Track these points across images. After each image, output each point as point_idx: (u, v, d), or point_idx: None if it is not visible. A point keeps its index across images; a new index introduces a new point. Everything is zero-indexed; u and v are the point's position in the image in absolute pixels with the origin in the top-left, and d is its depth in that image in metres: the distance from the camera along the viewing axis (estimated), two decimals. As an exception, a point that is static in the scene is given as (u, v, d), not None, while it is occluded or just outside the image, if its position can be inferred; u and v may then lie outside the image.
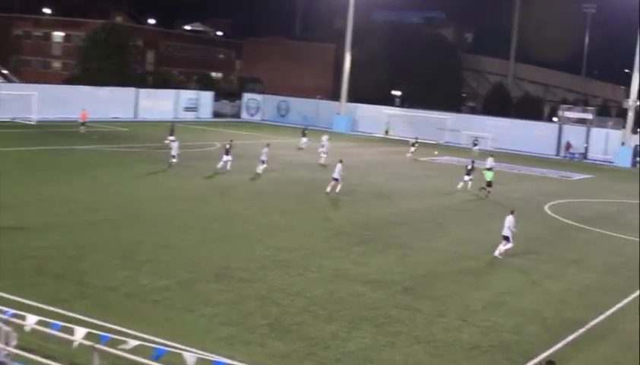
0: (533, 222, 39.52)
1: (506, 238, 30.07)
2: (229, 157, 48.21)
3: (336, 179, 42.33)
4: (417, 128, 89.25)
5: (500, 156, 70.33)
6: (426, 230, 34.82)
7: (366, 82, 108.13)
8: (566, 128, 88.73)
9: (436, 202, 43.35)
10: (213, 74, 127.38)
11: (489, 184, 47.18)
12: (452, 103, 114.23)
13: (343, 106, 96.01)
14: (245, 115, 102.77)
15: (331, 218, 35.60)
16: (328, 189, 42.33)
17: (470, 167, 48.91)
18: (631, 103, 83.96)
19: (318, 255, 27.83)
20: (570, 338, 20.68)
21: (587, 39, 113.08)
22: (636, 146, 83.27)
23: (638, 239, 36.48)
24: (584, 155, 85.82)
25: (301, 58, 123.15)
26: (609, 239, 36.55)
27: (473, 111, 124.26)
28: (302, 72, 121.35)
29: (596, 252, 33.09)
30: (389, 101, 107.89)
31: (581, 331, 21.39)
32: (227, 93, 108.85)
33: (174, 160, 47.74)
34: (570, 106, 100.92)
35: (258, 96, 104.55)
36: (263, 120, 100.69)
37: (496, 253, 29.98)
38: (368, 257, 28.15)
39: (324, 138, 59.31)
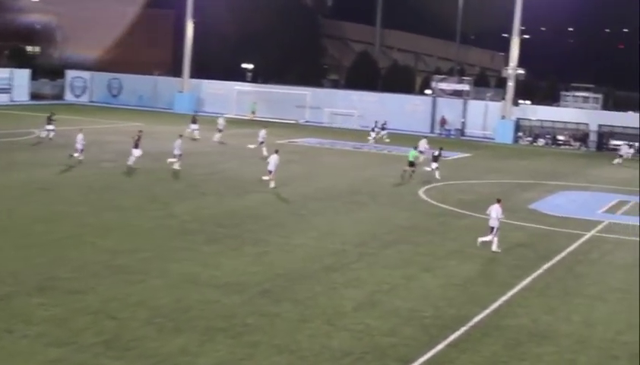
0: (406, 209, 40.47)
1: (492, 229, 31.78)
2: (140, 151, 47.48)
3: (270, 172, 43.39)
4: (272, 106, 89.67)
5: (367, 135, 71.63)
6: (285, 223, 35.00)
7: (212, 54, 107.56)
8: (441, 101, 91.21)
9: (297, 191, 43.64)
10: (29, 48, 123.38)
11: (412, 164, 49.84)
12: (312, 76, 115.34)
13: (186, 82, 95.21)
14: (69, 97, 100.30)
15: (175, 214, 35.24)
16: (272, 185, 43.13)
17: (437, 154, 51.93)
18: (510, 71, 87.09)
19: (161, 257, 27.49)
20: (452, 337, 21.28)
21: (461, 1, 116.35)
22: (518, 119, 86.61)
23: (529, 224, 38.01)
24: (461, 131, 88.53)
25: (134, 26, 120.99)
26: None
27: (336, 85, 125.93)
28: (136, 44, 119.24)
29: (477, 240, 34.13)
30: (240, 76, 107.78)
31: (464, 329, 22.04)
32: (47, 70, 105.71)
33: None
34: (444, 76, 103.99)
35: (85, 74, 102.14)
36: (91, 101, 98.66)
37: (494, 248, 31.60)
38: (220, 257, 28.04)
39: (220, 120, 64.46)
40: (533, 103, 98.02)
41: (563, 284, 27.83)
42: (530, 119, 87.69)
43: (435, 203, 42.69)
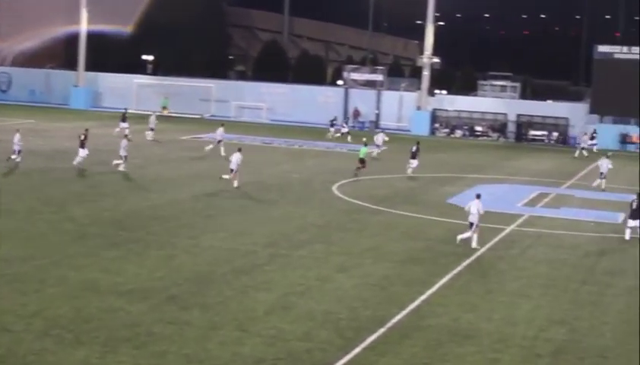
0: (319, 206, 40.65)
1: (471, 225, 32.71)
2: (86, 151, 47.40)
3: (232, 170, 43.85)
4: (175, 100, 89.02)
5: (277, 129, 71.71)
6: (192, 224, 34.82)
7: (110, 45, 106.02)
8: (353, 92, 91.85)
9: (204, 190, 43.46)
10: None
11: (362, 161, 51.00)
12: (217, 67, 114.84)
13: (82, 76, 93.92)
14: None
15: (73, 217, 34.74)
16: (236, 184, 43.67)
17: (414, 149, 53.12)
18: (425, 60, 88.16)
19: (58, 264, 27.07)
20: (369, 340, 21.43)
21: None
22: (434, 110, 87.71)
23: (448, 220, 38.54)
24: (375, 123, 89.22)
25: (20, 14, 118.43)
26: (409, 221, 38.28)
27: (243, 76, 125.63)
28: (25, 34, 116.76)
29: (394, 238, 34.51)
30: (140, 68, 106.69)
31: (382, 331, 22.22)
32: None
33: None
34: (356, 66, 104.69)
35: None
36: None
37: (474, 245, 32.48)
38: (122, 262, 27.74)
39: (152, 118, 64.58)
40: (449, 93, 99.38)
41: (484, 281, 28.29)
42: (446, 110, 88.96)
43: (349, 199, 42.96)
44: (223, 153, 55.46)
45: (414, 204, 42.58)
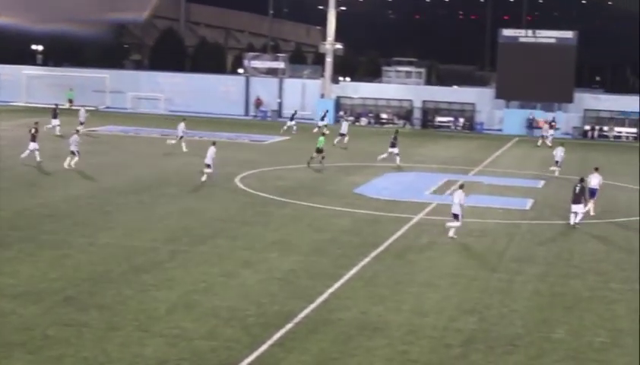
0: (221, 200, 40.52)
1: (456, 216, 33.80)
2: (36, 145, 47.85)
3: (208, 165, 44.87)
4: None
5: (176, 121, 71.08)
6: (89, 221, 34.35)
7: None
8: (255, 80, 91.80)
9: (101, 185, 42.94)
10: None
11: (319, 150, 52.56)
12: (111, 57, 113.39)
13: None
14: None
15: (-41, 217, 33.99)
16: (203, 178, 44.40)
17: (393, 137, 55.74)
18: (328, 46, 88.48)
19: (-55, 267, 26.47)
20: (277, 336, 21.44)
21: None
22: (338, 98, 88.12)
23: (355, 210, 38.76)
24: (278, 112, 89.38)
25: None
26: (315, 213, 38.41)
27: (139, 66, 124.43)
28: None
29: (300, 230, 34.60)
30: (29, 59, 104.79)
31: (290, 326, 22.25)
32: None
33: None
34: (257, 53, 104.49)
35: None
36: None
37: (451, 234, 33.63)
38: (14, 264, 27.21)
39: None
40: (353, 80, 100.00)
41: (392, 271, 28.52)
42: (351, 97, 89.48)
43: (253, 192, 42.90)
44: (185, 149, 56.47)
45: (320, 195, 42.72)
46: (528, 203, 43.11)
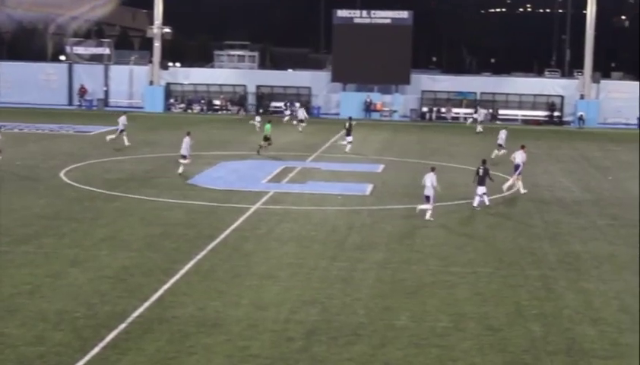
0: (45, 195, 39.66)
1: (428, 198, 36.09)
2: None
3: (184, 156, 46.66)
4: None
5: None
6: None
7: None
8: (78, 68, 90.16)
9: None
10: None
11: (267, 138, 55.61)
12: None
13: None
14: None
15: None
16: (180, 170, 46.21)
17: (347, 126, 59.24)
18: (156, 30, 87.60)
19: None
20: (109, 338, 21.13)
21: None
22: (168, 85, 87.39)
23: (189, 202, 38.59)
24: (105, 101, 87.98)
25: None
26: (146, 206, 38.03)
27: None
28: None
29: (131, 225, 34.16)
30: None
31: (123, 326, 21.97)
32: None
33: None
34: (80, 39, 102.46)
35: None
36: None
37: (427, 216, 35.98)
38: None
39: None
40: (184, 66, 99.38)
41: (230, 264, 28.51)
42: (182, 84, 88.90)
43: (79, 186, 42.17)
44: (127, 143, 56.64)
45: (152, 188, 42.34)
46: (368, 188, 43.78)
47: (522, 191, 42.74)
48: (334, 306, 24.31)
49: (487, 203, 38.98)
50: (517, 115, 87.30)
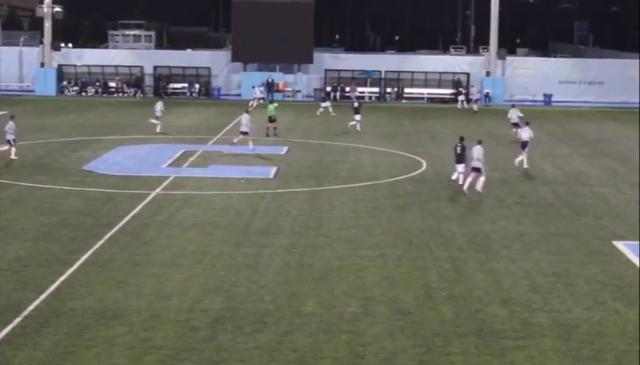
0: None
1: (477, 169, 38.24)
2: None
3: (245, 133, 49.33)
4: None
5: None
6: None
7: None
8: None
9: None
10: None
11: (272, 119, 56.41)
12: None
13: None
14: None
15: None
16: (235, 140, 48.91)
17: (357, 105, 61.02)
18: (46, 9, 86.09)
19: None
20: (4, 332, 20.84)
21: None
22: (60, 67, 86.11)
23: (85, 189, 38.15)
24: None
25: None
26: (40, 194, 37.49)
27: None
28: None
29: (24, 214, 33.66)
30: None
31: (18, 320, 21.67)
32: None
33: None
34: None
35: None
36: None
37: (465, 187, 38.17)
38: None
39: None
40: (76, 47, 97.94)
41: (130, 253, 28.28)
42: (75, 65, 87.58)
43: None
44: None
45: (45, 174, 41.71)
46: (272, 171, 43.77)
47: (525, 166, 45.05)
48: (239, 293, 24.31)
49: (460, 182, 39.61)
50: (423, 94, 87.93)
